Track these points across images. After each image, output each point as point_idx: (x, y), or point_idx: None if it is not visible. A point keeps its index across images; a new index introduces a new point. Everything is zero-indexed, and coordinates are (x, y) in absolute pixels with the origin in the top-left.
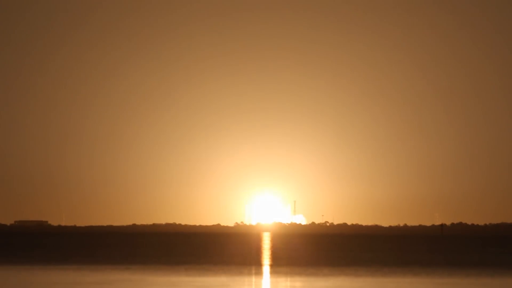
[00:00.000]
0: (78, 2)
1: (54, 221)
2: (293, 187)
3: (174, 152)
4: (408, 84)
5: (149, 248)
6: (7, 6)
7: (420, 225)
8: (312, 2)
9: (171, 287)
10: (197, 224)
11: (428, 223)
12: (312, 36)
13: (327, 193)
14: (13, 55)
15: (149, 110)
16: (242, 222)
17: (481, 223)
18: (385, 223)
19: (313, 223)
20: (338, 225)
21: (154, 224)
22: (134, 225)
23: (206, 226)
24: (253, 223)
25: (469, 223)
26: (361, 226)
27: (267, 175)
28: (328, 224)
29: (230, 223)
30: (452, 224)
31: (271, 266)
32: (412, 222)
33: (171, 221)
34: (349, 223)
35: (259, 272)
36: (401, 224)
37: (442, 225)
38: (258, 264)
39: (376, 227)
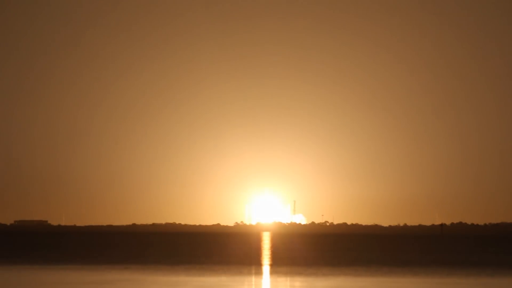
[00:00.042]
0: (89, 4)
1: (54, 221)
2: (293, 187)
3: (174, 152)
4: (408, 84)
5: (149, 248)
6: (19, 8)
7: (420, 225)
8: (311, 7)
9: (171, 287)
10: (197, 224)
11: (428, 223)
12: (311, 42)
13: (326, 193)
14: (17, 56)
15: (150, 112)
16: (242, 222)
17: (481, 223)
18: (385, 223)
19: (313, 222)
20: (338, 224)
21: (154, 224)
22: (134, 225)
23: (206, 226)
24: (253, 223)
25: (469, 223)
26: (361, 225)
27: (267, 175)
28: (328, 224)
29: (230, 223)
30: (452, 224)
31: (271, 266)
32: (412, 222)
33: (171, 221)
34: (348, 222)
35: (259, 272)
36: (401, 224)
37: (442, 225)
38: (258, 264)
39: (376, 227)
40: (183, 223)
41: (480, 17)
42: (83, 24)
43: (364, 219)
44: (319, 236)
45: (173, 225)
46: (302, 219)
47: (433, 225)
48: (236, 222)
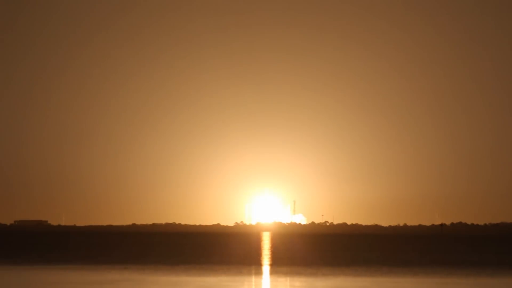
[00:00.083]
0: (99, 7)
1: (53, 221)
2: (293, 187)
3: (174, 152)
4: (407, 83)
5: (149, 248)
6: (29, 11)
7: (420, 225)
8: (312, 7)
9: (171, 287)
10: (197, 224)
11: (428, 223)
12: (309, 48)
13: (326, 193)
14: (27, 59)
15: (149, 112)
16: (242, 222)
17: (481, 223)
18: (385, 223)
19: (312, 223)
20: (338, 224)
21: (154, 224)
22: (134, 225)
23: (206, 226)
24: (253, 223)
25: (469, 223)
26: (360, 226)
27: (267, 176)
28: (328, 224)
29: (230, 223)
30: (452, 224)
31: (271, 266)
32: (412, 222)
33: (171, 221)
34: (348, 223)
35: (259, 272)
36: (401, 224)
37: (442, 225)
38: (258, 264)
39: (376, 227)
40: (183, 223)
41: (468, 20)
42: (93, 27)
43: (364, 219)
44: (319, 236)
45: (173, 225)
46: (302, 219)
47: (433, 225)
48: (236, 222)
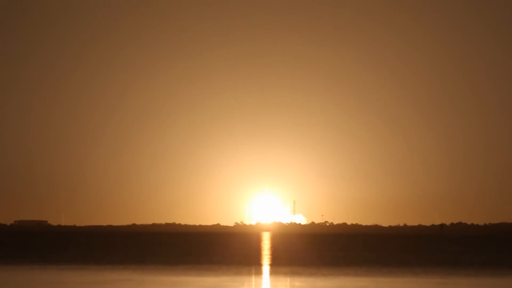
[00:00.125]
0: (106, 9)
1: (53, 221)
2: (293, 187)
3: (174, 152)
4: (408, 83)
5: (149, 248)
6: (36, 12)
7: (419, 225)
8: (314, 12)
9: (171, 287)
10: (197, 224)
11: (428, 223)
12: (307, 51)
13: (326, 193)
14: (34, 60)
15: (149, 112)
16: (242, 222)
17: (481, 223)
18: (385, 223)
19: (312, 223)
20: (338, 225)
21: (154, 224)
22: (134, 225)
23: (206, 226)
24: (253, 223)
25: (469, 223)
26: (360, 226)
27: (267, 176)
28: (327, 224)
29: (230, 223)
30: (452, 224)
31: (271, 266)
32: (412, 222)
33: (171, 221)
34: (348, 223)
35: (259, 272)
36: (401, 224)
37: (442, 225)
38: (258, 264)
39: (376, 227)
40: (183, 223)
41: (460, 21)
42: (99, 29)
43: (364, 219)
44: (319, 236)
45: (173, 225)
46: (302, 219)
47: (433, 225)
48: (236, 222)
